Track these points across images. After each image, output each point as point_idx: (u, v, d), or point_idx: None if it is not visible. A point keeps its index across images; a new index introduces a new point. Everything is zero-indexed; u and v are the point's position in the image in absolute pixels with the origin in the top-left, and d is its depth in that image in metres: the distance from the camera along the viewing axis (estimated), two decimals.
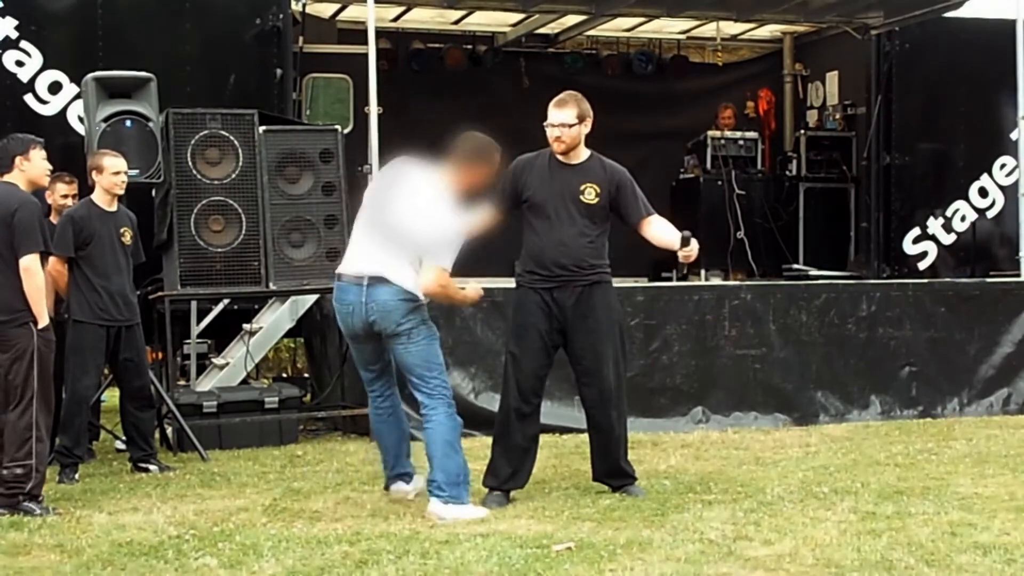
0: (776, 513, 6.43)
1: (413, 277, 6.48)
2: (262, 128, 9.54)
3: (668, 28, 14.52)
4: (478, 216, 6.86)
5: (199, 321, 10.28)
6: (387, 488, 6.97)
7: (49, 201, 9.01)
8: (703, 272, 13.26)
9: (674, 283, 12.89)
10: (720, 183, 13.28)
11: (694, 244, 6.89)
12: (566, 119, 6.80)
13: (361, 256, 6.59)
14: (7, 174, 6.97)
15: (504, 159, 6.74)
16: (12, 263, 6.72)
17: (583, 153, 6.93)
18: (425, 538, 5.89)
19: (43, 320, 6.77)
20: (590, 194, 6.86)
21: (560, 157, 6.88)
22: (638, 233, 7.12)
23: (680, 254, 6.93)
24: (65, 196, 8.83)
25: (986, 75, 13.03)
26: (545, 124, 6.86)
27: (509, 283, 10.86)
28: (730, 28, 14.54)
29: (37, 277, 6.74)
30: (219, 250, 9.36)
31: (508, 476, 6.90)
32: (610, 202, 6.92)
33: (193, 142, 9.32)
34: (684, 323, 10.11)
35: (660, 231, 7.14)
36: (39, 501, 6.72)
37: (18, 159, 6.97)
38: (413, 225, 6.45)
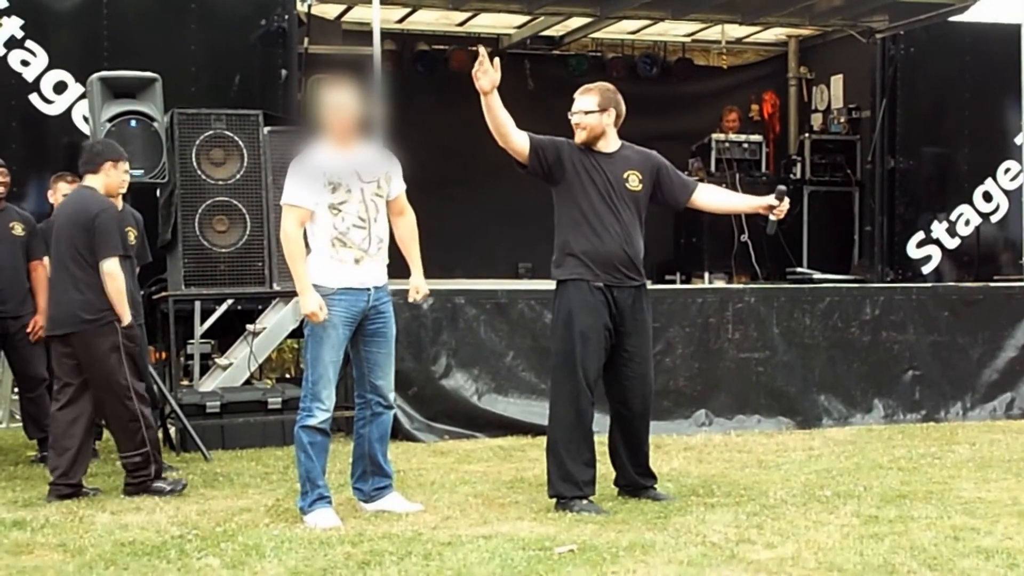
0: (779, 516, 6.42)
1: (314, 265, 6.44)
2: (267, 129, 9.55)
3: (673, 31, 14.52)
4: (514, 132, 6.60)
5: (203, 321, 10.28)
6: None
7: (52, 200, 9.03)
8: (706, 275, 13.27)
9: (678, 286, 12.92)
10: (725, 186, 13.27)
11: (787, 199, 6.91)
12: (584, 106, 6.71)
13: None
14: (91, 174, 7.38)
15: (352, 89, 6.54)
16: (95, 266, 7.11)
17: (615, 142, 6.83)
18: (428, 539, 5.89)
19: (126, 319, 7.16)
20: (634, 181, 6.76)
21: (594, 147, 6.74)
22: (688, 209, 7.15)
23: (775, 212, 6.90)
24: (66, 195, 8.84)
25: (991, 79, 13.03)
26: (569, 113, 6.76)
27: (513, 285, 10.94)
28: (735, 31, 14.54)
29: (118, 280, 7.12)
30: (223, 250, 9.37)
31: (590, 479, 6.72)
32: (653, 186, 6.85)
33: (198, 142, 9.34)
34: (687, 326, 10.10)
35: (721, 195, 7.37)
36: (165, 479, 7.27)
37: (108, 164, 7.39)
38: None
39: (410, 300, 6.82)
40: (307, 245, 6.50)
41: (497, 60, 6.45)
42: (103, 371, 7.12)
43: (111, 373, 7.11)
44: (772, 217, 6.95)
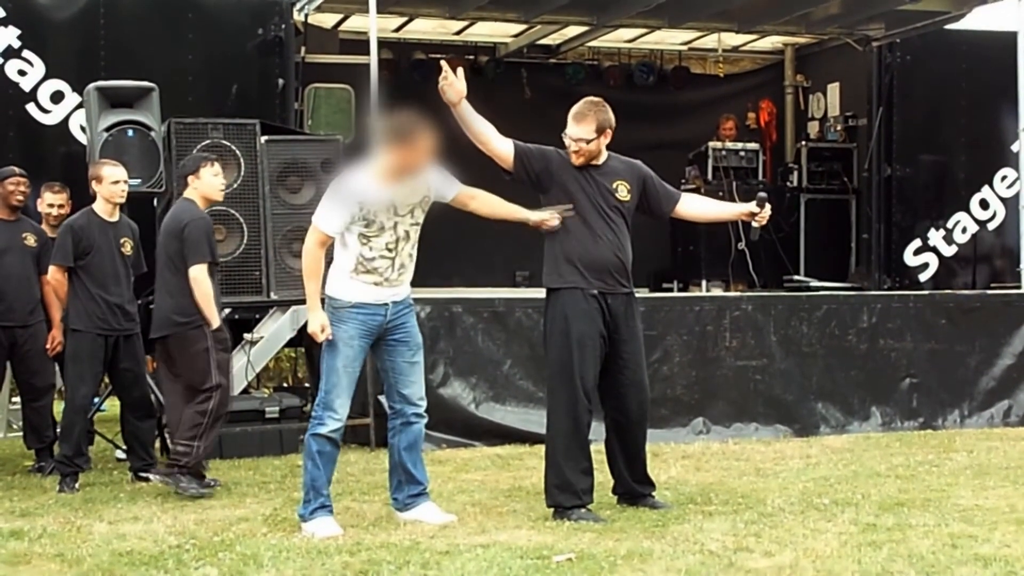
0: (777, 524, 6.43)
1: (333, 278, 6.47)
2: (264, 138, 9.56)
3: (669, 39, 14.53)
4: (495, 138, 6.61)
5: None
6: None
7: (39, 209, 9.05)
8: (704, 283, 13.27)
9: (675, 294, 12.92)
10: (721, 194, 13.28)
11: (768, 206, 6.92)
12: (583, 135, 6.67)
13: None
14: (185, 191, 7.81)
15: (436, 137, 6.40)
16: (185, 272, 7.55)
17: (604, 154, 6.82)
18: (425, 548, 5.88)
19: (214, 322, 7.60)
20: (623, 191, 6.77)
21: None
22: (672, 219, 7.22)
23: (756, 219, 6.93)
24: (51, 205, 8.90)
25: (987, 87, 13.05)
26: (563, 134, 6.75)
27: (510, 293, 10.94)
28: (731, 39, 14.55)
29: (204, 285, 7.54)
30: (220, 260, 9.35)
31: (589, 488, 6.72)
32: (639, 197, 6.86)
33: (195, 152, 9.33)
34: (685, 334, 10.10)
35: (705, 204, 7.40)
36: (201, 479, 7.59)
37: (189, 178, 7.79)
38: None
39: (547, 228, 6.65)
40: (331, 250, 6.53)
41: (461, 71, 6.50)
42: (192, 370, 7.60)
43: (199, 373, 7.57)
44: (754, 224, 6.99)
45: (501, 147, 6.68)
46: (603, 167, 6.80)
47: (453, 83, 6.45)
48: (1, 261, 8.56)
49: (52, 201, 8.92)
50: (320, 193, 9.31)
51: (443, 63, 6.56)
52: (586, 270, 6.67)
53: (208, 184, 7.77)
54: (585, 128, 6.69)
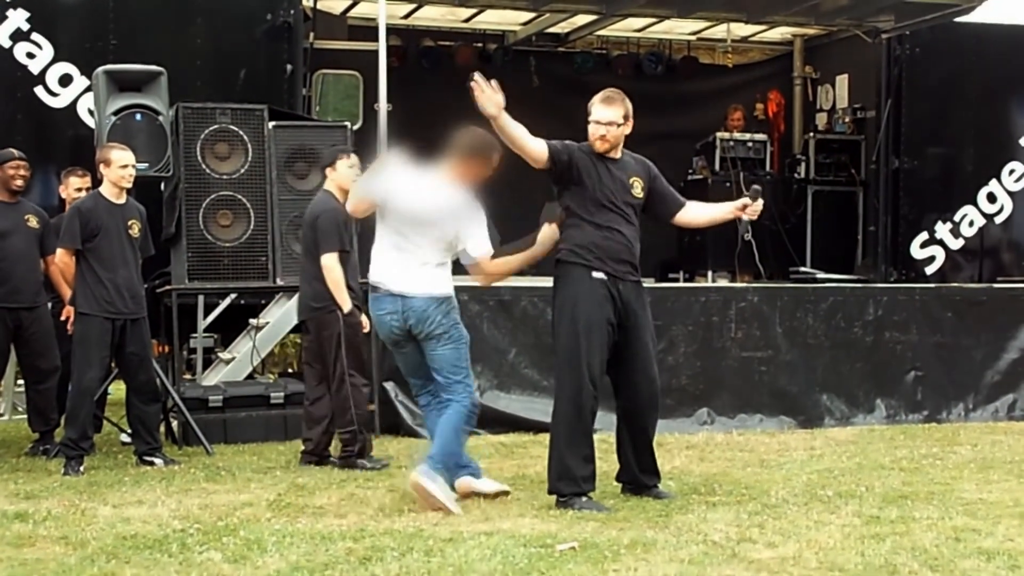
0: (780, 516, 6.43)
1: (445, 278, 6.68)
2: (271, 123, 9.55)
3: (678, 29, 14.51)
4: (531, 141, 6.63)
5: (206, 315, 10.28)
6: (453, 487, 6.82)
7: (63, 195, 9.07)
8: (710, 274, 13.26)
9: (681, 284, 12.91)
10: (728, 184, 13.28)
11: (761, 200, 6.94)
12: (614, 117, 6.70)
13: (394, 267, 6.73)
14: (324, 183, 8.24)
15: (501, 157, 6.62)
16: (319, 260, 7.93)
17: (620, 148, 6.85)
18: (429, 535, 5.89)
19: (345, 307, 7.94)
20: (637, 188, 6.80)
21: (605, 153, 6.76)
22: (672, 224, 7.18)
23: (748, 211, 6.95)
24: (79, 189, 8.94)
25: (996, 80, 13.02)
26: (590, 120, 6.73)
27: (516, 282, 10.92)
28: (740, 30, 14.52)
29: (334, 272, 7.91)
30: (227, 244, 9.38)
31: (589, 475, 6.72)
32: (647, 195, 6.88)
33: (202, 136, 9.35)
34: (690, 324, 10.11)
35: (705, 209, 7.36)
36: (371, 457, 8.05)
37: (327, 170, 8.24)
38: (447, 221, 6.71)
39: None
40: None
41: (495, 83, 6.36)
42: (328, 354, 8.00)
43: (332, 357, 7.96)
44: (745, 218, 6.98)
45: (537, 150, 6.63)
46: (620, 162, 6.81)
47: (490, 96, 6.33)
48: (5, 243, 8.58)
49: (79, 185, 8.97)
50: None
51: (476, 76, 6.32)
52: (599, 254, 6.68)
53: (343, 175, 8.07)
54: (615, 111, 6.72)
